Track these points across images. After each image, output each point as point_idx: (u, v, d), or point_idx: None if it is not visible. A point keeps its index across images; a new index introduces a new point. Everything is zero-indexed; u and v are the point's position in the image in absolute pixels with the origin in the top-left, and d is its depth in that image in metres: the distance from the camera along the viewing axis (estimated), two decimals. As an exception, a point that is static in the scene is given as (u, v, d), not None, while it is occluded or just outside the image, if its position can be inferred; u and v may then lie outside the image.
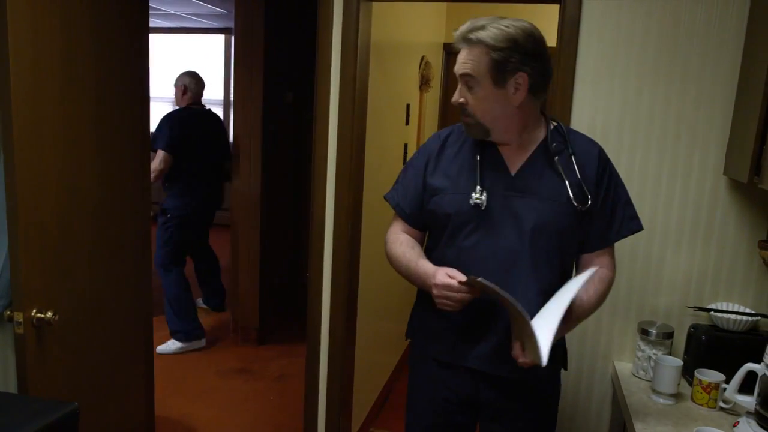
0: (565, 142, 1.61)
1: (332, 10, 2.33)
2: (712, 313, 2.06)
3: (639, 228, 1.67)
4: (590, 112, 2.15)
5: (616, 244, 2.10)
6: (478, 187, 1.58)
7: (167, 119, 4.04)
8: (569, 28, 2.12)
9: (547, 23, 3.00)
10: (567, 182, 1.56)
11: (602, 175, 1.60)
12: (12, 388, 1.94)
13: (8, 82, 1.69)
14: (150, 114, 2.55)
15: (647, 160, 2.13)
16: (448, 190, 1.62)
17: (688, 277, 2.15)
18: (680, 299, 2.17)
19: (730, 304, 2.10)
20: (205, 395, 3.57)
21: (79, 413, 1.49)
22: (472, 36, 1.49)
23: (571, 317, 1.54)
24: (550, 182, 1.58)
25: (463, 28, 1.52)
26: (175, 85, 4.06)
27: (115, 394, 2.36)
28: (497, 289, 1.39)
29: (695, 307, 2.12)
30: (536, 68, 1.51)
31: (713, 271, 2.14)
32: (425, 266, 1.61)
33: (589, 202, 1.56)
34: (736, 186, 2.07)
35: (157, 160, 3.91)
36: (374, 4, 2.46)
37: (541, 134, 1.61)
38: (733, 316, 2.01)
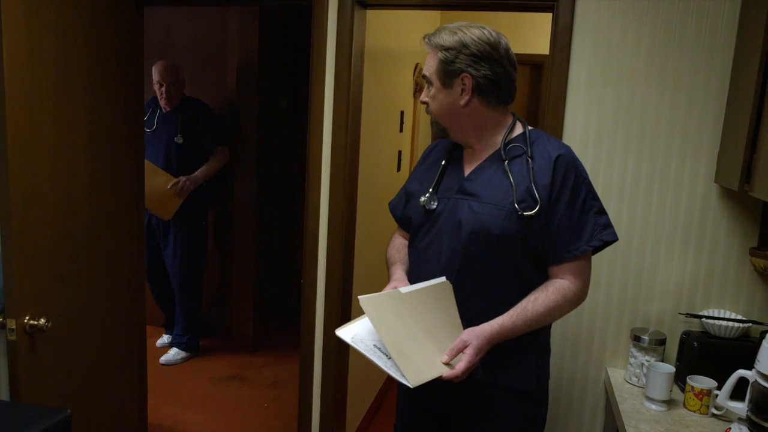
0: (526, 146, 1.59)
1: (326, 17, 2.34)
2: (704, 319, 2.07)
3: (613, 238, 1.57)
4: (583, 120, 2.16)
5: (609, 252, 2.12)
6: (430, 189, 1.66)
7: (211, 111, 3.99)
8: (562, 36, 2.13)
9: (540, 31, 3.03)
10: (514, 187, 1.54)
11: (561, 182, 1.53)
12: (4, 395, 1.93)
13: (2, 88, 1.69)
14: (144, 120, 2.56)
15: (639, 168, 2.15)
16: (416, 194, 1.70)
17: (680, 284, 2.16)
18: (672, 306, 2.18)
19: (722, 311, 2.11)
20: (199, 402, 3.55)
21: (71, 420, 1.48)
22: (428, 39, 1.60)
23: (504, 325, 1.50)
24: (497, 186, 1.56)
25: (430, 33, 1.61)
26: (180, 78, 3.90)
27: (108, 401, 2.35)
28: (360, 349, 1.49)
29: (687, 314, 2.13)
30: (483, 71, 1.54)
31: (705, 278, 2.15)
32: (394, 272, 1.71)
33: (537, 207, 1.51)
34: (727, 193, 2.09)
35: (223, 156, 3.95)
36: (368, 11, 2.47)
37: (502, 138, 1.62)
38: (724, 323, 2.02)
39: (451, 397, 1.65)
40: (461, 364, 1.45)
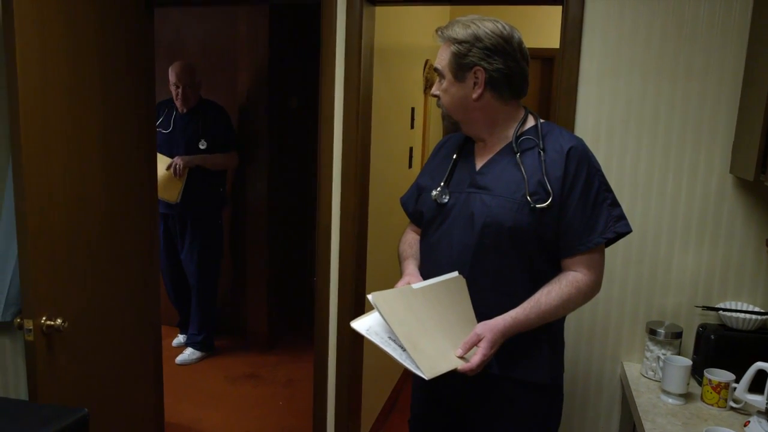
0: (538, 139, 1.58)
1: (336, 15, 2.34)
2: (720, 312, 2.05)
3: (626, 230, 1.57)
4: (595, 113, 2.15)
5: (624, 245, 2.11)
6: (442, 183, 1.65)
7: (227, 116, 4.00)
8: (572, 28, 2.11)
9: (551, 24, 3.01)
10: (526, 179, 1.53)
11: (573, 174, 1.52)
12: (23, 394, 1.95)
13: (17, 92, 1.71)
14: (156, 122, 2.57)
15: (653, 160, 2.13)
16: (428, 188, 1.70)
17: (696, 276, 2.14)
18: (688, 299, 2.16)
19: (739, 303, 2.08)
20: (215, 401, 3.58)
21: (89, 419, 1.49)
22: (441, 32, 1.59)
23: (517, 318, 1.49)
24: (509, 179, 1.56)
25: (443, 26, 1.60)
26: (197, 80, 3.91)
27: (124, 400, 2.37)
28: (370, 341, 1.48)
29: (704, 307, 2.11)
30: (496, 65, 1.53)
31: (721, 270, 2.12)
32: (406, 267, 1.71)
33: (550, 200, 1.51)
34: (743, 184, 2.07)
35: (232, 159, 3.98)
36: (377, 8, 2.47)
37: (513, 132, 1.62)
38: (742, 315, 2.00)
39: (465, 391, 1.65)
40: (476, 357, 1.44)
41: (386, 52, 2.96)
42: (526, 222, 1.52)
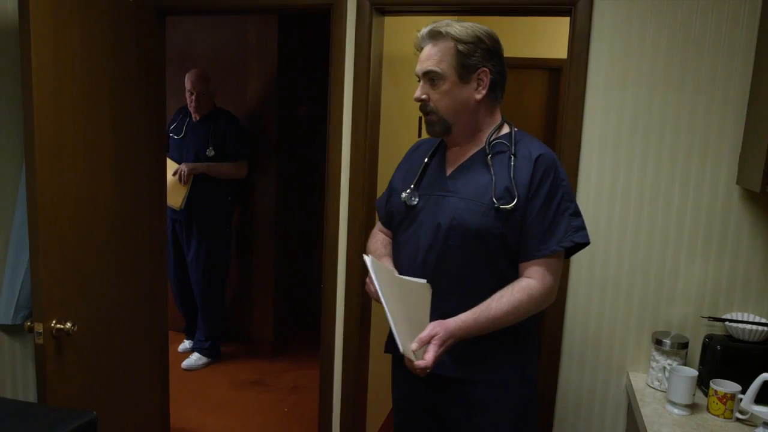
0: (511, 144, 1.60)
1: (345, 24, 2.36)
2: (727, 323, 2.05)
3: (584, 241, 1.58)
4: (602, 124, 2.16)
5: (630, 255, 2.11)
6: (412, 186, 1.68)
7: (239, 125, 4.02)
8: (579, 40, 2.13)
9: (558, 35, 3.03)
10: (494, 182, 1.55)
11: (539, 181, 1.54)
12: (32, 397, 1.97)
13: (31, 99, 1.74)
14: (165, 129, 2.59)
15: (659, 171, 2.13)
16: (398, 191, 1.72)
17: (703, 287, 2.14)
18: (695, 309, 2.16)
19: (746, 314, 2.08)
20: (220, 407, 3.58)
21: (97, 423, 1.50)
22: (442, 29, 1.58)
23: (466, 321, 1.52)
24: (478, 182, 1.58)
25: (428, 26, 1.61)
26: (211, 88, 3.94)
27: (131, 404, 2.39)
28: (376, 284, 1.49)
29: (710, 317, 2.11)
30: (496, 66, 1.57)
31: (728, 280, 2.12)
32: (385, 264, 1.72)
33: (514, 202, 1.53)
34: (750, 195, 2.07)
35: (240, 169, 3.98)
36: (386, 17, 2.49)
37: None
38: (748, 326, 2.00)
39: (438, 394, 1.67)
40: (428, 354, 1.47)
41: (394, 61, 2.98)
42: (491, 225, 1.54)
